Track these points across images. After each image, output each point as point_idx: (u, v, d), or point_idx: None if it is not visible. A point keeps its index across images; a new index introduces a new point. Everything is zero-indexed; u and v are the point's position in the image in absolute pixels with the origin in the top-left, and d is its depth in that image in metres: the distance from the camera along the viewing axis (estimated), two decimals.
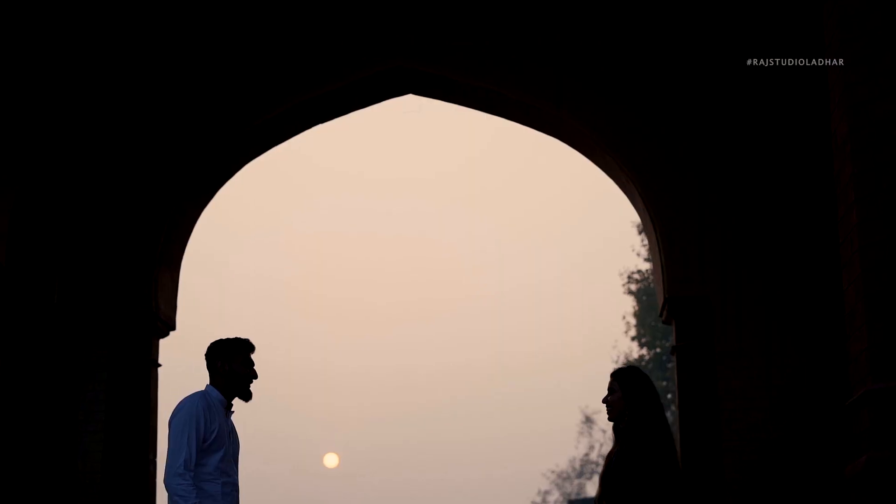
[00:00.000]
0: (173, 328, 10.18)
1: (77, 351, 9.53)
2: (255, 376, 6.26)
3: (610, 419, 5.93)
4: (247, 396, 6.27)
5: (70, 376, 9.48)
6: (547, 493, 47.00)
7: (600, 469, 6.09)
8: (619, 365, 32.58)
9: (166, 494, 5.92)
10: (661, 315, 9.94)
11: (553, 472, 46.56)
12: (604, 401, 5.99)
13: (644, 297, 32.10)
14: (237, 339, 6.26)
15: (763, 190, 9.51)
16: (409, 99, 10.55)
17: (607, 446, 45.88)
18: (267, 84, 9.90)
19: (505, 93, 9.95)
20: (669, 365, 31.04)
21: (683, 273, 9.49)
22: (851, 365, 5.82)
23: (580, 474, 44.42)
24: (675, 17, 9.71)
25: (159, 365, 9.91)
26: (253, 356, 6.24)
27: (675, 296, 9.48)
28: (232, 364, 6.18)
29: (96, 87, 9.81)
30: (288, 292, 56.91)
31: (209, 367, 6.24)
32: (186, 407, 6.01)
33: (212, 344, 6.26)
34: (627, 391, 5.88)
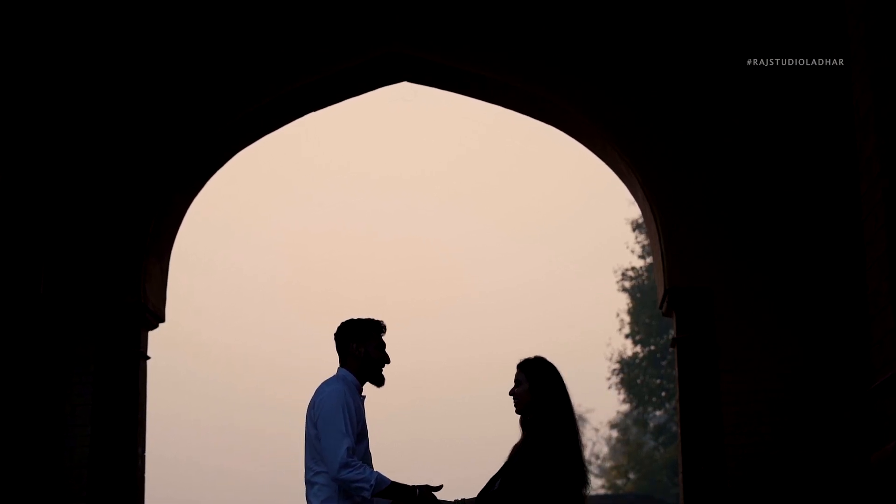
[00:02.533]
0: (162, 320, 9.97)
1: (63, 343, 9.33)
2: (388, 360, 5.96)
3: (517, 412, 5.74)
4: (380, 381, 5.96)
5: (56, 369, 9.28)
6: None
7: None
8: (614, 362, 32.51)
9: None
10: (660, 307, 9.77)
11: None
12: (510, 393, 5.81)
13: (638, 295, 32.01)
14: (371, 321, 5.93)
15: (766, 179, 9.36)
16: (404, 87, 10.37)
17: (599, 445, 45.83)
18: (257, 71, 9.71)
19: (503, 80, 9.80)
20: (664, 363, 30.96)
21: (684, 263, 9.33)
22: (874, 348, 5.60)
23: None
24: (674, 4, 9.54)
25: (148, 357, 9.69)
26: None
27: (676, 286, 9.32)
28: (367, 347, 5.87)
29: (84, 76, 9.64)
30: (280, 289, 56.75)
31: (341, 349, 5.91)
32: (334, 395, 5.70)
33: (344, 324, 5.93)
34: (534, 383, 5.69)
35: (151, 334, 9.84)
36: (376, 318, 5.94)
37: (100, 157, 9.57)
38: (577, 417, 5.77)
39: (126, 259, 9.48)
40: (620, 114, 9.54)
